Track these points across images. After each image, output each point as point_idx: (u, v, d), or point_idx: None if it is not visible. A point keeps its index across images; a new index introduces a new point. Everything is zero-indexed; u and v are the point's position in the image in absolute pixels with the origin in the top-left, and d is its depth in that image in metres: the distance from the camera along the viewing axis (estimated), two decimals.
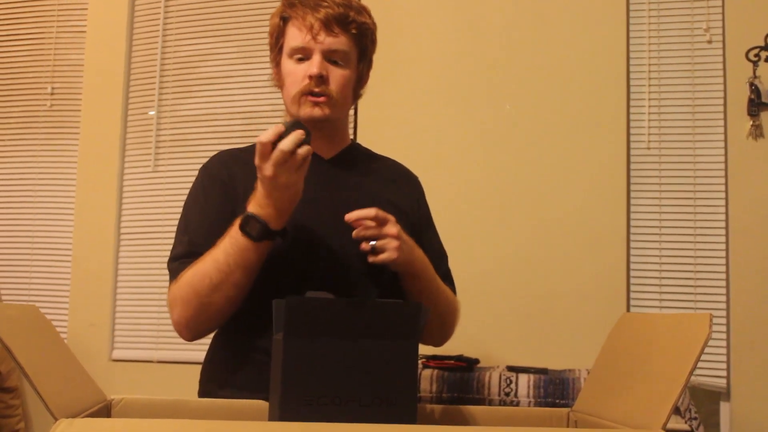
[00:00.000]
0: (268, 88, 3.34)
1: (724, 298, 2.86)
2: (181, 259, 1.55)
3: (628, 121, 3.00)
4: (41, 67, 3.68)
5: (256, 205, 1.41)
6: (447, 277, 1.76)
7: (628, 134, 2.99)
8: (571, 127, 3.03)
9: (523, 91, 3.09)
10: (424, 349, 2.23)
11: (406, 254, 1.50)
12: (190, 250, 1.55)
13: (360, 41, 1.62)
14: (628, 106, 3.00)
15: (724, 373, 2.81)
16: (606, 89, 3.01)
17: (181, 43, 3.53)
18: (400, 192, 1.74)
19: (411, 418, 1.12)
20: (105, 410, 1.21)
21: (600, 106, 3.01)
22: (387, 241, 1.47)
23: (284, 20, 1.61)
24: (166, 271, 1.60)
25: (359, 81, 1.69)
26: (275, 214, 1.41)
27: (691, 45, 3.00)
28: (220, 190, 1.61)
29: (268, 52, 1.72)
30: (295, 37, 1.58)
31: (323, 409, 1.08)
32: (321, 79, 1.56)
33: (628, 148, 2.99)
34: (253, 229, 1.40)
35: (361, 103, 3.19)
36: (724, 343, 2.83)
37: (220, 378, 1.59)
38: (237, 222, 1.44)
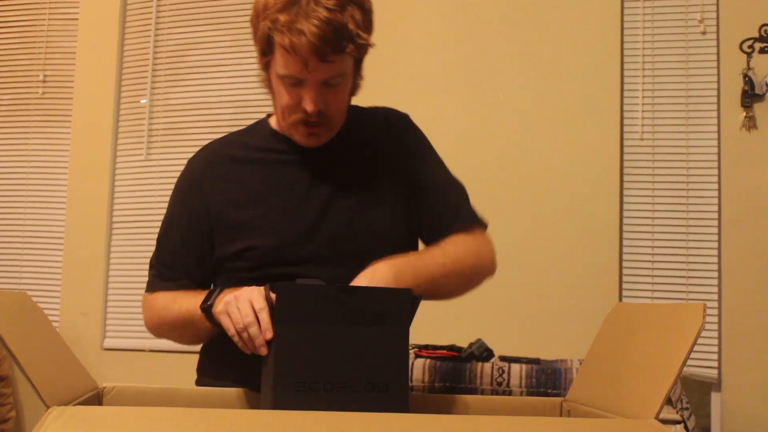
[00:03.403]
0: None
1: (716, 289, 2.87)
2: (154, 268, 1.59)
3: (622, 111, 3.00)
4: (33, 54, 3.65)
5: (224, 294, 1.36)
6: (457, 215, 1.58)
7: (622, 125, 2.99)
8: (565, 118, 3.02)
9: (517, 82, 3.09)
10: (417, 339, 2.23)
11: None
12: (159, 268, 1.59)
13: (355, 53, 1.46)
14: (622, 97, 3.00)
15: (716, 364, 2.82)
16: (600, 80, 3.01)
17: (174, 31, 3.51)
18: (386, 153, 1.61)
19: (403, 404, 1.12)
20: (96, 398, 1.21)
21: (594, 96, 3.00)
22: None
23: (271, 39, 1.42)
24: None
25: (355, 85, 1.56)
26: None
27: (685, 36, 3.00)
28: (197, 203, 1.58)
29: None
30: (285, 65, 1.41)
31: (315, 395, 1.08)
32: (317, 111, 1.45)
33: (622, 139, 2.98)
34: (204, 304, 1.39)
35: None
36: (715, 334, 2.83)
37: (218, 372, 1.58)
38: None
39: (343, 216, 1.54)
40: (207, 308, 1.35)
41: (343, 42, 1.38)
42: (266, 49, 1.45)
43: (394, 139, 1.63)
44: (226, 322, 1.26)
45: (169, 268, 1.57)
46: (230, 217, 1.54)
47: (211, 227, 1.55)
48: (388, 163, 1.60)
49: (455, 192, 1.63)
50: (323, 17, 1.33)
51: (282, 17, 1.35)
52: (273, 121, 1.63)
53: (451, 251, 1.50)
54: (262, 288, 1.24)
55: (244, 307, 1.22)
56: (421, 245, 1.62)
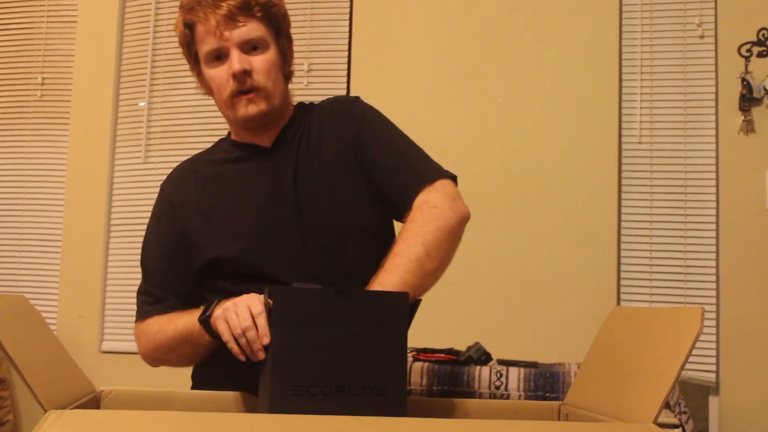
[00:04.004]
0: None
1: (714, 293, 2.87)
2: (142, 295, 1.62)
3: (620, 114, 3.00)
4: (31, 57, 3.65)
5: (221, 304, 1.35)
6: (416, 174, 1.53)
7: (620, 128, 2.99)
8: (563, 121, 3.02)
9: (516, 85, 3.09)
10: (415, 342, 2.24)
11: None
12: (148, 290, 1.61)
13: (270, 20, 1.57)
14: (620, 100, 3.00)
15: (714, 368, 2.82)
16: (598, 83, 3.01)
17: (173, 34, 3.49)
18: (337, 136, 1.61)
19: (401, 408, 1.11)
20: (94, 402, 1.20)
21: (592, 99, 3.01)
22: None
23: (189, 27, 1.58)
24: None
25: (284, 60, 1.62)
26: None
27: (684, 40, 3.01)
28: (171, 222, 1.61)
29: None
30: (205, 41, 1.55)
31: (313, 398, 1.08)
32: (245, 74, 1.52)
33: (620, 142, 2.99)
34: (203, 315, 1.38)
35: (352, 95, 3.18)
36: (713, 338, 2.83)
37: (212, 379, 1.57)
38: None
39: (310, 208, 1.55)
40: (206, 319, 1.34)
41: (250, 4, 1.52)
42: (189, 41, 1.59)
43: (341, 120, 1.64)
44: (222, 327, 1.26)
45: (156, 288, 1.59)
46: (200, 228, 1.57)
47: (187, 242, 1.58)
48: (341, 145, 1.60)
49: (409, 154, 1.60)
50: None
51: (192, 1, 1.54)
52: (232, 135, 1.69)
53: (407, 250, 1.39)
54: (260, 295, 1.24)
55: (243, 312, 1.22)
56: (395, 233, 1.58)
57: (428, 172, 1.54)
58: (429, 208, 1.46)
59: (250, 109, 1.55)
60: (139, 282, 1.65)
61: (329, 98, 1.72)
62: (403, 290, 1.29)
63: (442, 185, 1.51)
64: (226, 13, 1.50)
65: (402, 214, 1.49)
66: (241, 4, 1.52)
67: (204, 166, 1.67)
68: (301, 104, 1.71)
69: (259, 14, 1.54)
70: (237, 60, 1.51)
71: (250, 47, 1.54)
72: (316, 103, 1.71)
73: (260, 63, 1.54)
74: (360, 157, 1.59)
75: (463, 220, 1.50)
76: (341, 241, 1.53)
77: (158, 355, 1.56)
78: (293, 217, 1.53)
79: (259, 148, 1.62)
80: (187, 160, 1.73)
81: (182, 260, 1.58)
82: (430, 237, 1.41)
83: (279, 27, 1.60)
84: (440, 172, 1.54)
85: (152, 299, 1.59)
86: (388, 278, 1.33)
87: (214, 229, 1.56)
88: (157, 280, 1.60)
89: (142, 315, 1.60)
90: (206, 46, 1.55)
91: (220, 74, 1.55)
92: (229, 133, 1.71)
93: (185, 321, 1.45)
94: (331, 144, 1.60)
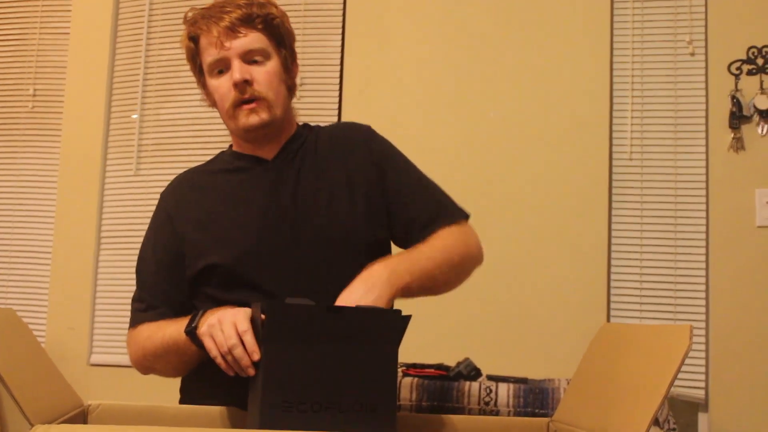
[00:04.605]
0: None
1: (703, 310, 2.87)
2: (136, 303, 1.61)
3: (611, 131, 3.01)
4: (23, 68, 3.65)
5: (207, 316, 1.35)
6: (440, 210, 1.61)
7: (611, 145, 3.00)
8: (554, 138, 3.03)
9: (507, 101, 3.10)
10: (405, 357, 2.23)
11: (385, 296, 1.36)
12: (141, 297, 1.61)
13: (271, 33, 1.60)
14: (611, 117, 3.02)
15: (703, 384, 2.82)
16: (589, 100, 3.02)
17: (165, 47, 3.51)
18: (352, 164, 1.64)
19: (391, 425, 1.11)
20: (81, 416, 1.20)
21: (583, 116, 3.02)
22: None
23: (194, 40, 1.60)
24: None
25: (287, 72, 1.64)
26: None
27: (674, 57, 3.02)
28: (167, 231, 1.62)
29: None
30: (208, 52, 1.57)
31: (303, 415, 1.08)
32: (246, 83, 1.54)
33: (611, 159, 3.00)
34: (189, 327, 1.38)
35: (344, 109, 3.19)
36: (702, 354, 2.84)
37: (200, 392, 1.57)
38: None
39: (307, 221, 1.55)
40: (191, 331, 1.33)
41: (252, 16, 1.56)
42: (194, 53, 1.61)
43: (357, 146, 1.66)
44: (209, 343, 1.26)
45: (149, 295, 1.59)
46: (195, 237, 1.57)
47: (183, 251, 1.58)
48: (352, 169, 1.62)
49: (432, 188, 1.67)
50: (232, 3, 1.57)
51: (196, 15, 1.59)
52: (234, 146, 1.70)
53: (438, 245, 1.53)
54: (247, 309, 1.23)
55: (228, 329, 1.21)
56: (395, 249, 1.62)
57: (451, 209, 1.63)
58: (467, 237, 1.59)
59: (251, 118, 1.56)
60: (129, 294, 1.65)
61: (337, 122, 1.75)
62: (432, 265, 1.44)
63: (465, 225, 1.62)
64: (227, 25, 1.54)
65: (416, 241, 1.56)
66: (243, 16, 1.55)
67: (203, 176, 1.68)
68: (306, 124, 1.73)
69: (260, 26, 1.57)
70: (238, 70, 1.54)
71: (251, 58, 1.56)
72: (323, 125, 1.74)
73: (261, 74, 1.56)
74: (378, 183, 1.62)
75: (480, 261, 1.62)
76: (336, 256, 1.54)
77: (146, 363, 1.55)
78: (289, 230, 1.54)
79: (261, 159, 1.63)
80: (187, 170, 1.73)
81: (177, 269, 1.58)
82: (465, 251, 1.55)
83: (281, 39, 1.62)
84: (460, 211, 1.64)
85: (144, 306, 1.58)
86: (426, 251, 1.48)
87: (210, 238, 1.56)
88: (150, 288, 1.60)
89: (134, 322, 1.59)
90: (209, 57, 1.57)
91: (222, 85, 1.57)
92: (231, 145, 1.72)
93: (172, 330, 1.44)
94: (340, 165, 1.62)
